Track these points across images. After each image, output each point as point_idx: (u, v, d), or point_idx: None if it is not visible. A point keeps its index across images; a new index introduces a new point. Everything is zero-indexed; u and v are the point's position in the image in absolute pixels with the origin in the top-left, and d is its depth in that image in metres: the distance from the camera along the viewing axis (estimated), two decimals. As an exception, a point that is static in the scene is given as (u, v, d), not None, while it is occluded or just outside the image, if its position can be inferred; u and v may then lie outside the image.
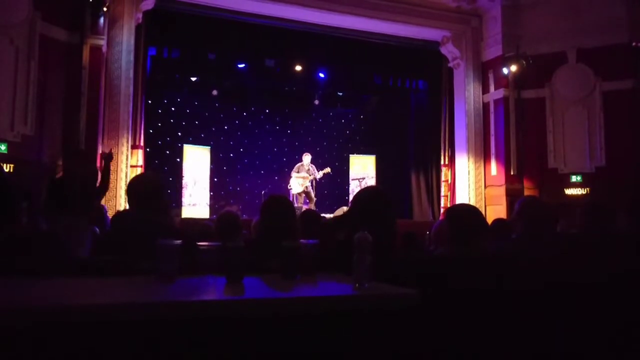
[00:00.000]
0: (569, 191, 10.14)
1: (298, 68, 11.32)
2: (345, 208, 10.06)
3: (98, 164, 8.24)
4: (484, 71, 11.09)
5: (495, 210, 10.00)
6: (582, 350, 2.16)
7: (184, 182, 11.42)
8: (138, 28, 9.03)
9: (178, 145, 11.94)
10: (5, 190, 2.43)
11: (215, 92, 12.53)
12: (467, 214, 2.74)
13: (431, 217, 11.75)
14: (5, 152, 7.28)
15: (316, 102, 13.36)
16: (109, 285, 1.78)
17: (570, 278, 2.22)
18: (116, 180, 8.46)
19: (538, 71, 10.28)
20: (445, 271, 2.18)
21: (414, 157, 12.90)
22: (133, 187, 2.66)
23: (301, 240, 2.12)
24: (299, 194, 10.67)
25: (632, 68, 9.74)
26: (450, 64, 11.43)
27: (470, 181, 10.93)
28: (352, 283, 1.78)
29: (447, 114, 11.56)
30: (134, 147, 8.96)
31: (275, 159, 13.22)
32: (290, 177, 10.86)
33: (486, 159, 10.95)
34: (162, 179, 2.68)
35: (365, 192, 2.68)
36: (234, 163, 13.05)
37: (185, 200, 11.36)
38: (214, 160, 12.33)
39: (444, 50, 11.34)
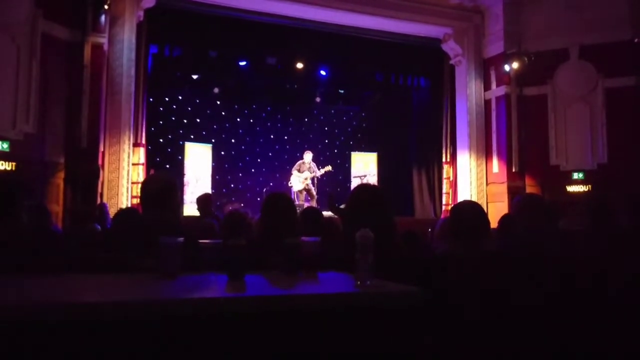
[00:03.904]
0: (571, 188, 10.13)
1: (299, 66, 11.29)
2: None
3: (100, 162, 8.27)
4: (486, 68, 11.06)
5: (497, 208, 9.99)
6: (583, 349, 2.16)
7: (185, 179, 11.43)
8: (139, 26, 9.02)
9: (180, 143, 11.95)
10: (6, 189, 2.44)
11: (216, 90, 12.53)
12: (470, 211, 2.73)
13: (433, 215, 11.75)
14: (8, 150, 7.29)
15: (318, 99, 13.35)
16: (109, 283, 1.79)
17: (574, 275, 2.22)
18: (118, 178, 8.47)
19: (540, 68, 10.25)
20: (447, 269, 2.18)
21: (415, 155, 12.89)
22: (145, 186, 2.66)
23: (302, 238, 2.12)
24: (300, 191, 10.67)
25: (634, 65, 9.72)
26: (452, 61, 11.41)
27: (472, 178, 10.92)
28: (354, 280, 1.78)
29: (449, 111, 11.55)
30: (136, 145, 8.97)
31: (276, 157, 13.22)
32: (291, 174, 10.87)
33: (488, 156, 10.93)
34: (174, 179, 2.65)
35: (360, 189, 2.67)
36: (235, 161, 13.06)
37: (187, 198, 11.36)
38: (215, 158, 12.35)
39: (445, 47, 11.32)
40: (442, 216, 10.86)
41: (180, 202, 9.50)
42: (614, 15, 9.79)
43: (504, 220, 3.99)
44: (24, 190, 2.65)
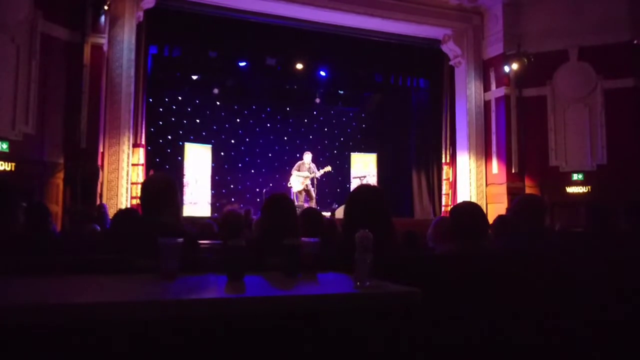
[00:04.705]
0: (571, 189, 10.13)
1: (299, 66, 11.30)
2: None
3: (99, 163, 8.27)
4: (486, 69, 11.07)
5: (497, 209, 9.99)
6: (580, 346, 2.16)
7: (185, 180, 11.43)
8: (139, 26, 9.02)
9: (179, 144, 11.95)
10: (2, 191, 2.43)
11: (216, 91, 12.54)
12: (469, 212, 2.73)
13: (432, 216, 11.73)
14: (7, 150, 7.29)
15: (317, 100, 13.36)
16: (109, 284, 1.78)
17: (570, 275, 2.22)
18: (117, 179, 8.47)
19: (539, 69, 10.26)
20: (446, 269, 2.18)
21: (415, 156, 12.90)
22: (145, 187, 2.66)
23: (302, 238, 2.12)
24: (299, 192, 10.67)
25: (633, 66, 9.74)
26: (452, 62, 11.41)
27: (472, 179, 10.93)
28: (353, 281, 1.78)
29: (449, 112, 11.56)
30: (135, 145, 8.97)
31: (276, 158, 13.23)
32: (291, 175, 10.87)
33: (487, 157, 10.94)
34: (174, 180, 2.65)
35: (359, 190, 2.67)
36: (235, 161, 13.07)
37: (187, 198, 11.37)
38: (215, 158, 12.35)
39: (445, 48, 11.32)
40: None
41: (180, 203, 9.49)
42: (613, 17, 9.81)
43: (498, 220, 3.98)
44: (18, 190, 2.64)
